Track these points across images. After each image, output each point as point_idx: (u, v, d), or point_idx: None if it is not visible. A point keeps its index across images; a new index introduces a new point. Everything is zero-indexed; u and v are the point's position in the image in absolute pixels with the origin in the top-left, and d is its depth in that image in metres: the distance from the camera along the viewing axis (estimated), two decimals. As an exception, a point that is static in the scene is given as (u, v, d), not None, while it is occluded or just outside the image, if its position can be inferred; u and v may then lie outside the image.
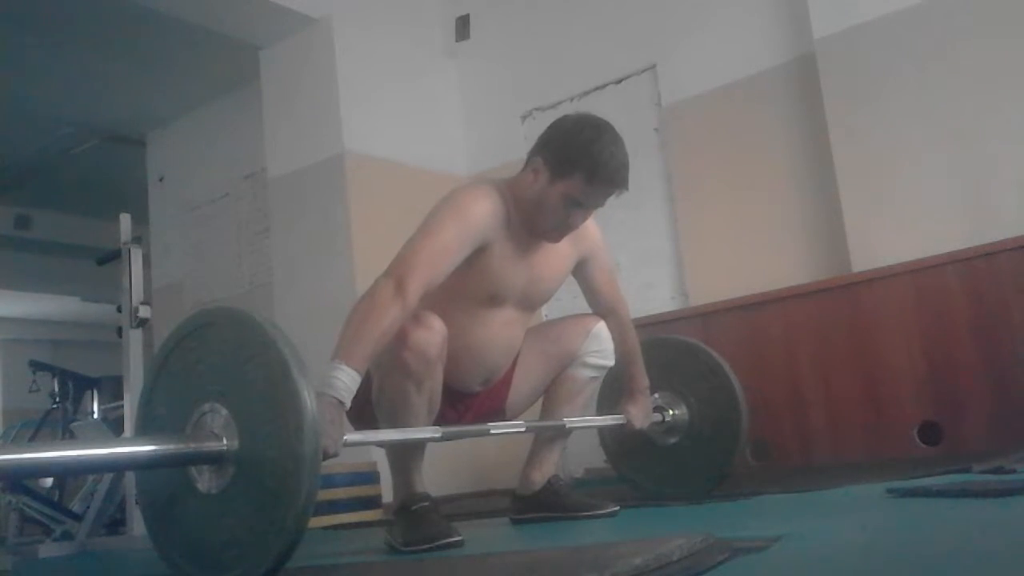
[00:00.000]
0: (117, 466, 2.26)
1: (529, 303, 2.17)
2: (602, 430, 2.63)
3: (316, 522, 3.21)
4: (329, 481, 3.31)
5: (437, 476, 4.00)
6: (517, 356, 2.23)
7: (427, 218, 1.96)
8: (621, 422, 2.34)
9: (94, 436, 3.89)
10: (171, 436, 1.46)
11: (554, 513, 2.24)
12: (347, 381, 1.64)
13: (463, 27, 4.91)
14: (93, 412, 6.16)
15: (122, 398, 3.52)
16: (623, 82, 4.33)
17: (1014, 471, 2.04)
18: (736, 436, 2.47)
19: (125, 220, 3.47)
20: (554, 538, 1.93)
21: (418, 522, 1.91)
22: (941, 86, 3.25)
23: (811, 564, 1.20)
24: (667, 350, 2.60)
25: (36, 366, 6.15)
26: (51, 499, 4.17)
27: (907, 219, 3.26)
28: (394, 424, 1.93)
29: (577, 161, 1.94)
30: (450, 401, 2.06)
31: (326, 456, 1.55)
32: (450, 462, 4.06)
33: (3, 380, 10.81)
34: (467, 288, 1.99)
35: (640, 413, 2.35)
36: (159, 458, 1.43)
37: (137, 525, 3.11)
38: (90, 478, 3.77)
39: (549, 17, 4.58)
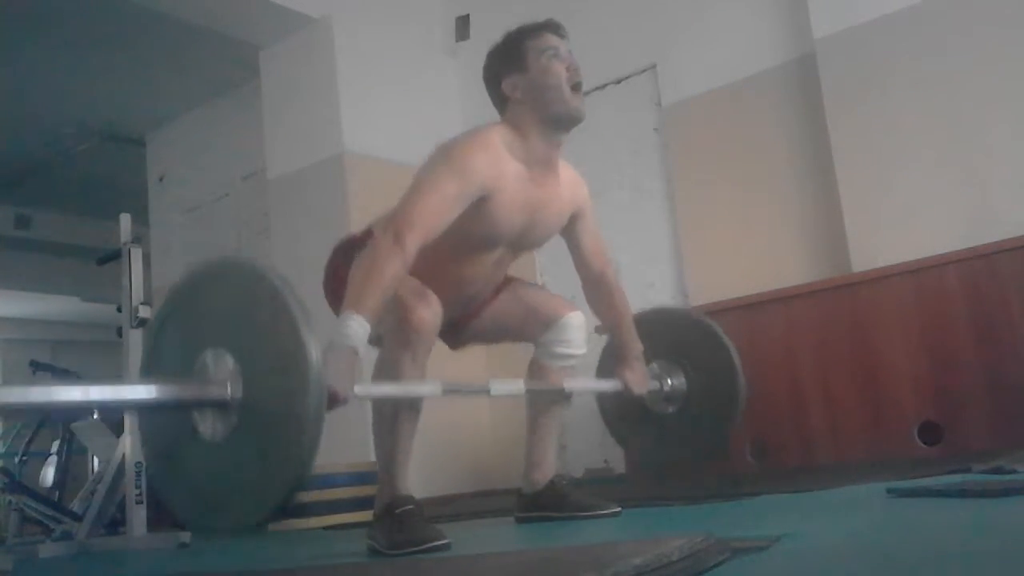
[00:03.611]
0: (122, 406, 2.26)
1: (522, 246, 2.20)
2: (601, 399, 2.61)
3: (316, 522, 3.21)
4: (329, 481, 3.31)
5: (437, 476, 4.03)
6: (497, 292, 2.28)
7: (424, 171, 1.97)
8: (619, 388, 2.34)
9: (94, 434, 3.90)
10: (176, 379, 1.48)
11: (556, 513, 2.24)
12: (358, 329, 1.69)
13: (463, 27, 4.91)
14: (93, 412, 6.16)
15: (122, 398, 3.52)
16: (623, 82, 4.32)
17: (1014, 471, 2.04)
18: (734, 403, 2.48)
19: (125, 220, 3.47)
20: (554, 538, 1.93)
21: (403, 525, 1.88)
22: (941, 85, 3.24)
23: (811, 564, 1.20)
24: (664, 320, 2.60)
25: (36, 366, 6.13)
26: (51, 499, 4.18)
27: (907, 219, 3.26)
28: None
29: (517, 41, 2.13)
30: None
31: (336, 402, 1.57)
32: (450, 462, 4.06)
33: (3, 380, 10.81)
34: (464, 231, 1.99)
35: (637, 379, 2.34)
36: (163, 400, 1.44)
37: (137, 525, 3.11)
38: (90, 478, 3.77)
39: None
